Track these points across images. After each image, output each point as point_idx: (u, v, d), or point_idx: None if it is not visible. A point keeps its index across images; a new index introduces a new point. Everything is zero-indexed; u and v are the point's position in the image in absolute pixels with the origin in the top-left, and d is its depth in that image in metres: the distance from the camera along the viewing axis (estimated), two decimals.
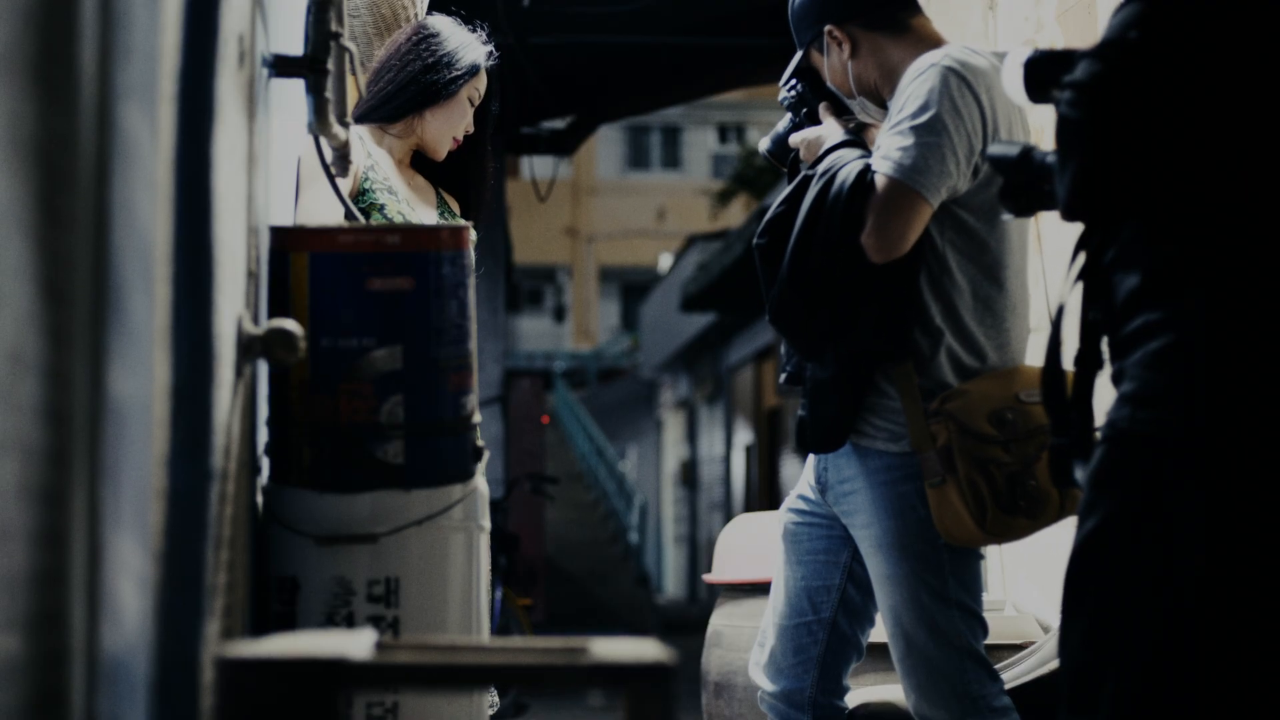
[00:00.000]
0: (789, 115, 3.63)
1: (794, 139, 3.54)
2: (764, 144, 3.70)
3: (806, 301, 3.28)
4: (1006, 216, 3.14)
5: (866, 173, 3.21)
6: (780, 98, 3.64)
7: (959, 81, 3.20)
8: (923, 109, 3.19)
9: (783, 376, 3.55)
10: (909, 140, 3.18)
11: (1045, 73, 2.57)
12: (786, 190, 3.39)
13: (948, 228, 3.26)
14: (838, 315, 3.26)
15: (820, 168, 3.30)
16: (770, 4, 8.82)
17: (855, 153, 3.30)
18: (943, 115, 3.16)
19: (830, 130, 3.45)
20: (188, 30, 2.00)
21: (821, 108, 3.52)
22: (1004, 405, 3.22)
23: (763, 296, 3.38)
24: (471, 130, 3.93)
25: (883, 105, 3.46)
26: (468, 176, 4.05)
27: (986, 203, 3.26)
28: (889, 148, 3.20)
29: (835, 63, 3.46)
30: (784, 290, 3.29)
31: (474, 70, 3.86)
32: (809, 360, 3.41)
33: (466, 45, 3.88)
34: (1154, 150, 2.40)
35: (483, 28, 3.95)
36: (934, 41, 3.39)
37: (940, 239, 3.26)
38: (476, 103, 3.91)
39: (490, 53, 3.92)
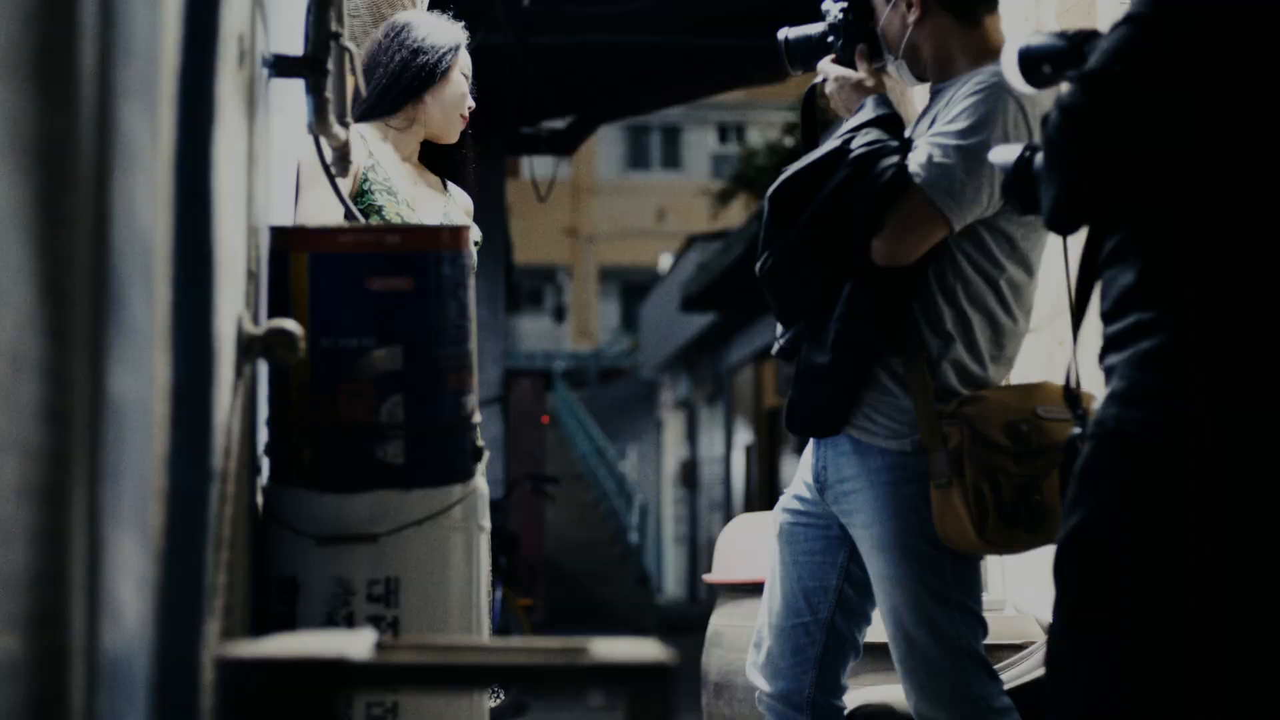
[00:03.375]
0: (825, 26, 3.49)
1: (826, 67, 3.47)
2: (788, 32, 3.56)
3: (804, 276, 3.28)
4: (1018, 229, 3.18)
5: (904, 173, 3.17)
6: (824, 7, 3.51)
7: (1017, 110, 3.15)
8: (974, 130, 3.15)
9: (775, 347, 3.53)
10: (952, 160, 3.14)
11: (1038, 61, 2.61)
12: (818, 153, 3.32)
13: (965, 239, 3.24)
14: (832, 298, 3.26)
15: (856, 145, 3.25)
16: (768, 6, 8.83)
17: (896, 143, 3.24)
18: (992, 143, 3.08)
19: (866, 80, 3.39)
20: (188, 30, 2.00)
21: (858, 51, 3.42)
22: (1020, 418, 3.21)
23: (758, 248, 3.36)
24: (473, 106, 3.95)
25: (920, 78, 3.42)
26: (451, 159, 4.06)
27: (1009, 225, 3.25)
28: (929, 156, 3.17)
29: (895, 19, 3.37)
30: (784, 257, 3.28)
31: (457, 46, 3.90)
32: (784, 324, 3.42)
33: (440, 26, 3.92)
34: (1143, 164, 2.42)
35: (449, 12, 3.99)
36: (997, 49, 3.25)
37: (956, 249, 3.24)
38: (469, 78, 3.94)
39: (464, 28, 3.96)
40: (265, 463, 2.89)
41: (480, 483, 3.10)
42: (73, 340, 1.62)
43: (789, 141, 23.82)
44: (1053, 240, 3.30)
